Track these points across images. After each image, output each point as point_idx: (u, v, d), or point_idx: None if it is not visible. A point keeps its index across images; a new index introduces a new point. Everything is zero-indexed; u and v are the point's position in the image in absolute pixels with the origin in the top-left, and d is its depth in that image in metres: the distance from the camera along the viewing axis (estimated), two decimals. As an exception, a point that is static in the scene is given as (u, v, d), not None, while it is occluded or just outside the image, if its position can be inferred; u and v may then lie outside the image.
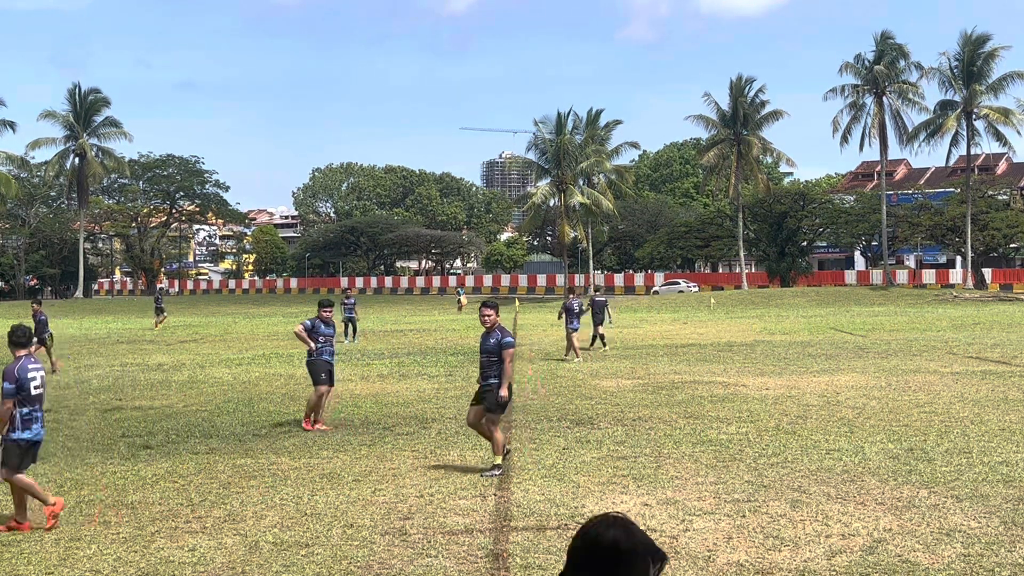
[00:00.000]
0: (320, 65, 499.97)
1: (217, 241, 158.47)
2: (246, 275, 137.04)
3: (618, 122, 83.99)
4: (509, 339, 10.44)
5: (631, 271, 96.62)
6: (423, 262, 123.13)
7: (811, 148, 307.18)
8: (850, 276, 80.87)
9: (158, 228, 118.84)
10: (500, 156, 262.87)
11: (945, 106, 68.28)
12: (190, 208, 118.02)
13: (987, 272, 73.82)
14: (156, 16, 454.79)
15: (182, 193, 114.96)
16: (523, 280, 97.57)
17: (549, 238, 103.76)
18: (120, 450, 12.06)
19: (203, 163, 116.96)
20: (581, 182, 79.20)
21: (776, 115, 76.91)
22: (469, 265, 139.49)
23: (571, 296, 25.34)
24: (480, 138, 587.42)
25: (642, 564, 2.51)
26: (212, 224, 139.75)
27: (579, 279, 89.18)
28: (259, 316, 60.75)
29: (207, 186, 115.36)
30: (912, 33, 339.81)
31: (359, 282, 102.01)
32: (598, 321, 26.99)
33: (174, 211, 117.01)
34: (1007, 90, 67.19)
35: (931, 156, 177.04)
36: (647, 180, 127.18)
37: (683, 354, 25.17)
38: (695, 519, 8.16)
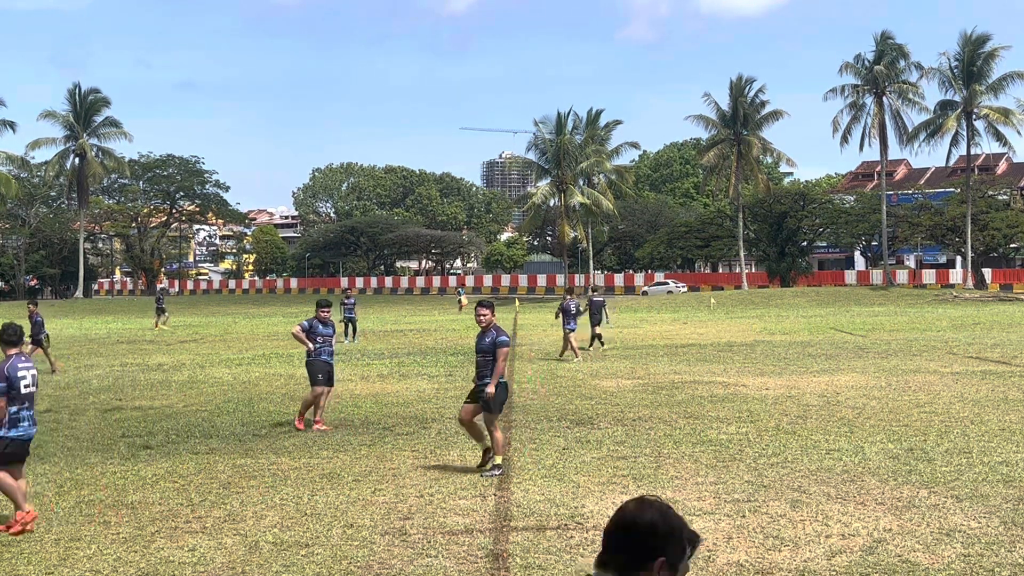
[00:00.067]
0: (320, 65, 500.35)
1: (217, 241, 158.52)
2: (246, 275, 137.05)
3: (618, 122, 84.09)
4: (504, 338, 10.45)
5: (631, 271, 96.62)
6: (423, 262, 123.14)
7: (811, 148, 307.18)
8: (850, 276, 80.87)
9: (158, 228, 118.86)
10: (500, 156, 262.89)
11: (945, 106, 68.29)
12: (190, 208, 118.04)
13: (987, 272, 73.83)
14: (156, 16, 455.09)
15: (182, 193, 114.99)
16: (523, 280, 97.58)
17: (549, 238, 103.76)
18: (120, 450, 12.06)
19: (203, 163, 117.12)
20: (581, 182, 79.20)
21: (776, 115, 76.94)
22: (469, 265, 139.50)
23: (568, 297, 25.35)
24: (480, 138, 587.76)
25: (678, 546, 2.56)
26: (212, 224, 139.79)
27: (579, 279, 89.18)
28: (259, 316, 60.76)
29: (207, 186, 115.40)
30: (912, 33, 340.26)
31: (359, 282, 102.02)
32: (596, 321, 26.96)
33: (174, 211, 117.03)
34: (1007, 90, 67.27)
35: (931, 156, 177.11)
36: (647, 180, 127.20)
37: (683, 354, 25.17)
38: (695, 519, 8.16)
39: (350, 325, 32.13)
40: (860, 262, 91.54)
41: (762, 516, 8.23)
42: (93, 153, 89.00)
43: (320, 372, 13.74)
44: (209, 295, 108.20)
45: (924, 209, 79.93)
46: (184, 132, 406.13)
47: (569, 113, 78.77)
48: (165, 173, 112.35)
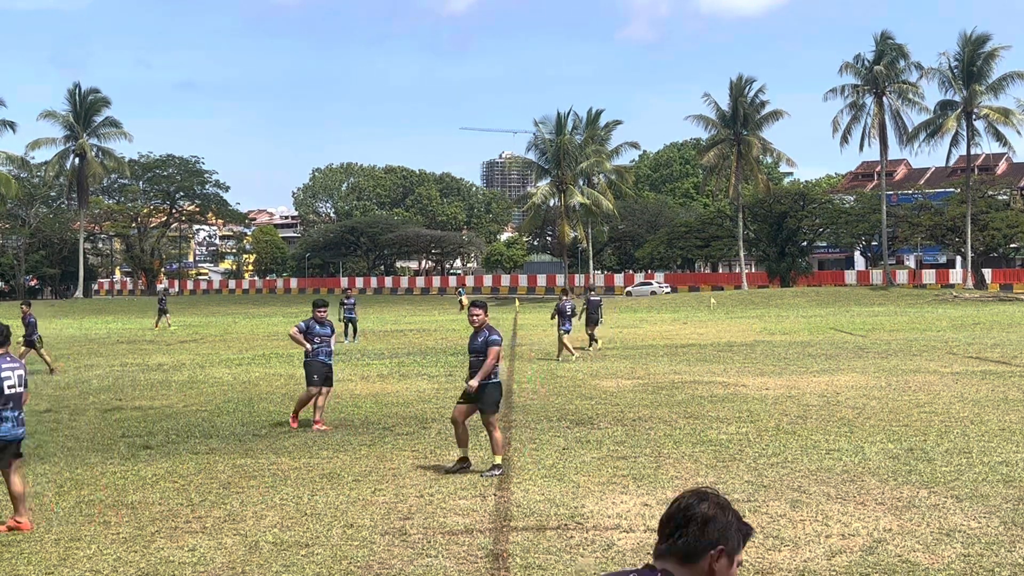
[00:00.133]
0: (320, 65, 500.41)
1: (217, 241, 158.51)
2: (246, 275, 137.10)
3: (618, 122, 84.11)
4: (495, 337, 10.45)
5: (631, 271, 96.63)
6: (423, 262, 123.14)
7: (811, 148, 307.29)
8: (850, 276, 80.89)
9: (158, 228, 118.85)
10: (500, 156, 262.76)
11: (945, 106, 68.31)
12: (190, 208, 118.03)
13: (987, 272, 73.85)
14: (156, 16, 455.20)
15: (182, 193, 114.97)
16: (523, 280, 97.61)
17: (549, 238, 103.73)
18: (120, 450, 12.06)
19: (203, 163, 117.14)
20: (581, 182, 79.18)
21: (776, 115, 76.98)
22: (469, 265, 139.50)
23: (564, 298, 25.38)
24: (480, 138, 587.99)
25: (734, 538, 2.61)
26: (212, 224, 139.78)
27: (579, 279, 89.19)
28: (259, 316, 60.77)
29: (207, 186, 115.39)
30: (912, 33, 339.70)
31: (359, 282, 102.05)
32: (593, 321, 26.94)
33: (174, 211, 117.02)
34: (1007, 90, 67.35)
35: (931, 156, 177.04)
36: (647, 180, 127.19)
37: (683, 354, 25.17)
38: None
39: (350, 325, 32.13)
40: (860, 262, 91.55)
41: (762, 516, 8.23)
42: (93, 153, 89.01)
43: (316, 373, 13.70)
44: (209, 295, 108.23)
45: (924, 209, 79.93)
46: (184, 132, 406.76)
47: (569, 113, 78.87)
48: (165, 173, 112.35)
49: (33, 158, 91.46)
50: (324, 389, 13.74)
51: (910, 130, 69.65)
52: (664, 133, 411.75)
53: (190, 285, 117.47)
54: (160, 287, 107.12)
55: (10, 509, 8.52)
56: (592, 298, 27.60)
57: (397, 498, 9.14)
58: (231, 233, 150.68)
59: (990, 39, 67.00)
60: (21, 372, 8.46)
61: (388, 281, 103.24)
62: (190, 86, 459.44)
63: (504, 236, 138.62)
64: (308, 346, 13.79)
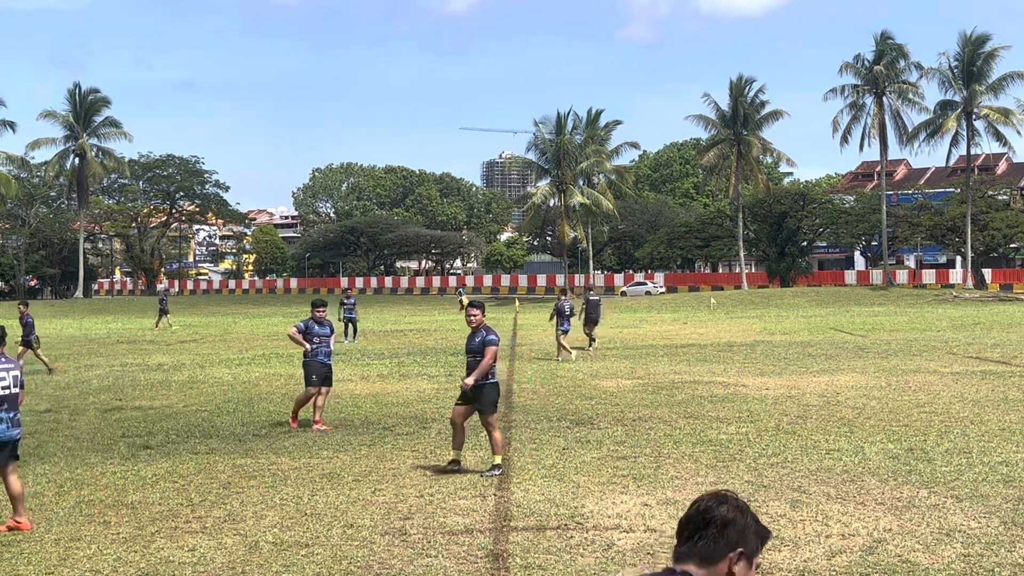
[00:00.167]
0: (320, 65, 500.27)
1: (217, 241, 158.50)
2: (246, 275, 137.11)
3: (618, 122, 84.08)
4: (493, 337, 10.45)
5: (631, 271, 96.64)
6: (423, 262, 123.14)
7: (811, 148, 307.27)
8: (850, 276, 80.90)
9: (158, 228, 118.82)
10: (500, 156, 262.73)
11: (945, 106, 68.30)
12: (190, 208, 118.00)
13: (987, 272, 73.85)
14: (156, 16, 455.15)
15: (182, 193, 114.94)
16: (523, 280, 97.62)
17: (549, 238, 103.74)
18: (120, 450, 12.06)
19: (203, 163, 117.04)
20: (581, 182, 79.17)
21: (776, 115, 76.98)
22: (469, 265, 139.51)
23: (563, 298, 25.39)
24: (480, 138, 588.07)
25: (753, 541, 2.63)
26: (212, 224, 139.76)
27: (579, 279, 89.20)
28: (259, 316, 60.78)
29: (207, 186, 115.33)
30: (912, 33, 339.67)
31: (359, 282, 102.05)
32: (592, 320, 26.93)
33: (174, 211, 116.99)
34: (1007, 90, 67.31)
35: (931, 156, 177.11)
36: (647, 180, 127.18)
37: (683, 354, 25.17)
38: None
39: (350, 325, 32.12)
40: (860, 262, 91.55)
41: (762, 516, 8.21)
42: (93, 153, 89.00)
43: (315, 373, 13.68)
44: (209, 295, 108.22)
45: (924, 209, 79.92)
46: (184, 132, 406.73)
47: (569, 113, 78.84)
48: (165, 173, 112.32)
49: (33, 158, 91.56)
50: (323, 389, 13.73)
51: (910, 130, 69.65)
52: (664, 133, 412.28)
53: (190, 285, 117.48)
54: (160, 287, 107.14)
55: (10, 509, 8.52)
56: (591, 298, 27.59)
57: (397, 498, 9.14)
58: (231, 233, 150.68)
59: (990, 39, 67.04)
60: (16, 373, 8.41)
61: (388, 281, 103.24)
62: (190, 86, 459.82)
63: (504, 236, 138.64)
64: (307, 346, 13.78)
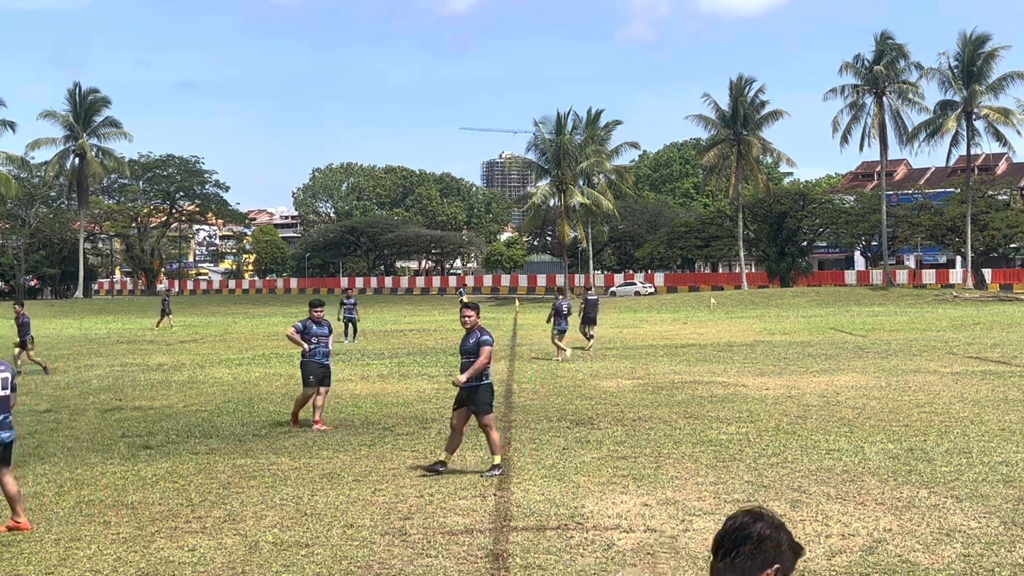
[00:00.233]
0: (320, 65, 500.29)
1: (217, 241, 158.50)
2: (246, 275, 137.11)
3: (618, 122, 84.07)
4: (487, 338, 10.45)
5: (631, 271, 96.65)
6: (423, 262, 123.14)
7: (811, 148, 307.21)
8: (850, 276, 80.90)
9: (158, 228, 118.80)
10: (500, 156, 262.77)
11: (945, 106, 68.30)
12: (190, 208, 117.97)
13: (987, 272, 73.85)
14: (156, 16, 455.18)
15: (182, 193, 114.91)
16: (523, 280, 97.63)
17: (549, 238, 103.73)
18: (120, 450, 12.06)
19: (203, 163, 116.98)
20: (581, 182, 79.16)
21: (776, 115, 76.98)
22: (469, 265, 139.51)
23: (561, 297, 25.42)
24: (480, 138, 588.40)
25: (789, 558, 2.67)
26: (212, 224, 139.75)
27: (579, 279, 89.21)
28: (259, 316, 60.79)
29: (207, 186, 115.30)
30: (912, 33, 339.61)
31: (359, 282, 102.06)
32: (590, 319, 26.92)
33: (174, 211, 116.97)
34: (1007, 90, 67.31)
35: (931, 156, 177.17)
36: (647, 180, 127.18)
37: (683, 354, 25.16)
38: (695, 519, 8.16)
39: (350, 325, 32.11)
40: (860, 262, 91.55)
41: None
42: (93, 153, 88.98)
43: (312, 373, 13.67)
44: (209, 295, 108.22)
45: (924, 209, 79.92)
46: (184, 132, 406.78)
47: (569, 113, 78.82)
48: (165, 173, 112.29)
49: (33, 158, 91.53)
50: (322, 389, 13.71)
51: (910, 130, 69.65)
52: (664, 133, 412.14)
53: (190, 285, 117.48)
54: (161, 287, 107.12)
55: (10, 509, 8.52)
56: (589, 297, 27.62)
57: (397, 498, 9.14)
58: (231, 233, 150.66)
59: (990, 39, 67.04)
60: (7, 375, 8.37)
61: (388, 281, 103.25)
62: (190, 86, 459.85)
63: (504, 236, 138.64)
64: (305, 346, 13.76)
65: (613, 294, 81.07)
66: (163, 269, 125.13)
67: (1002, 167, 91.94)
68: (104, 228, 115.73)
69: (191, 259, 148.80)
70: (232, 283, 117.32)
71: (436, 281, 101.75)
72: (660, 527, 7.93)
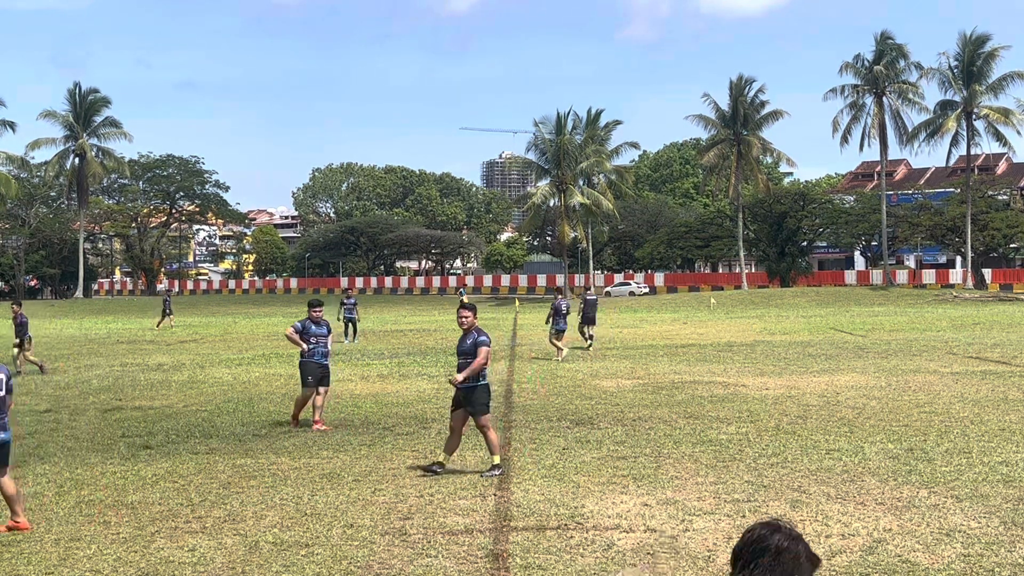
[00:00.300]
0: (320, 65, 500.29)
1: (217, 241, 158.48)
2: (246, 275, 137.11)
3: (618, 122, 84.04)
4: (484, 338, 10.45)
5: (631, 271, 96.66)
6: (423, 262, 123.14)
7: (811, 148, 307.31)
8: (850, 276, 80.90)
9: (158, 228, 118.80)
10: (500, 156, 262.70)
11: (945, 106, 68.32)
12: (190, 208, 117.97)
13: (987, 272, 73.85)
14: (156, 16, 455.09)
15: (182, 193, 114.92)
16: (523, 280, 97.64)
17: (549, 238, 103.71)
18: (120, 450, 12.06)
19: (203, 163, 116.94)
20: (581, 182, 79.16)
21: (776, 115, 77.00)
22: (469, 265, 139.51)
23: (559, 297, 25.47)
24: (480, 138, 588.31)
25: (807, 570, 2.68)
26: (212, 224, 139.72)
27: (579, 279, 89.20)
28: (259, 316, 60.80)
29: (207, 186, 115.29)
30: (912, 33, 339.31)
31: (359, 282, 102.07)
32: (589, 319, 26.94)
33: (174, 211, 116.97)
34: (1007, 90, 67.37)
35: (931, 156, 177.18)
36: (647, 180, 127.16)
37: (683, 354, 25.16)
38: (695, 519, 8.16)
39: (350, 325, 32.10)
40: (860, 262, 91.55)
41: (762, 516, 8.22)
42: (93, 153, 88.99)
43: (311, 374, 13.66)
44: (209, 295, 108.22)
45: (924, 209, 79.93)
46: (184, 132, 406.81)
47: (569, 113, 78.81)
48: (165, 173, 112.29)
49: (33, 158, 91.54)
50: (321, 389, 13.70)
51: (910, 130, 69.68)
52: (664, 133, 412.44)
53: (190, 285, 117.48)
54: (161, 287, 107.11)
55: (9, 509, 8.52)
56: (588, 297, 27.64)
57: (397, 498, 9.14)
58: (231, 233, 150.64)
59: (990, 39, 67.08)
60: (2, 376, 8.36)
61: (388, 281, 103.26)
62: (190, 86, 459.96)
63: (504, 236, 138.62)
64: (304, 346, 13.76)
65: (608, 294, 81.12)
66: (163, 269, 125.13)
67: (1002, 167, 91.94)
68: (104, 228, 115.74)
69: (191, 259, 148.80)
70: (232, 283, 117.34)
71: (436, 281, 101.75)
72: (660, 527, 7.93)
